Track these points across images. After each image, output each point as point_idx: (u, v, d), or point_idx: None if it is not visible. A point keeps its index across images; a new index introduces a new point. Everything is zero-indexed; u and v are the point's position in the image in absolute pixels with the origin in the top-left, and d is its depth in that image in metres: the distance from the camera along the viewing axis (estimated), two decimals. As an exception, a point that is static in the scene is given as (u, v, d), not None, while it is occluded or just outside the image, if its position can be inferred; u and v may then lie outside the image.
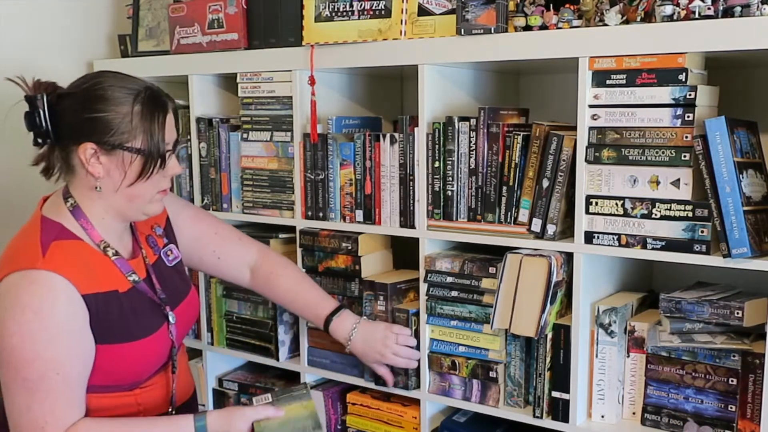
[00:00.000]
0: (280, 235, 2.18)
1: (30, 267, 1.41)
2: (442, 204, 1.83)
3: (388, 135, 1.89)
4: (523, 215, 1.73)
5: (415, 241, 1.89)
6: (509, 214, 1.75)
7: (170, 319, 1.59)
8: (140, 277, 1.56)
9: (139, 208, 1.53)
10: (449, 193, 1.82)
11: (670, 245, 1.57)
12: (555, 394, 1.73)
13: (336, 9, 1.90)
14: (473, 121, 1.76)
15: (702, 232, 1.54)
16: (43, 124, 1.46)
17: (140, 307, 1.54)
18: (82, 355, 1.45)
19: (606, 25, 1.59)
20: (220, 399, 2.35)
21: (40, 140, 1.49)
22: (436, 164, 1.82)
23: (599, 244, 1.64)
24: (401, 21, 1.82)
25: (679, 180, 1.55)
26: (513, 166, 1.73)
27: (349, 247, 1.97)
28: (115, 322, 1.48)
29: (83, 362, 1.46)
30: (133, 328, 1.52)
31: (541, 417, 1.75)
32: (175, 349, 1.62)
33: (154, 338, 1.55)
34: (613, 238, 1.62)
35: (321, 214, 2.02)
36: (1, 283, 1.42)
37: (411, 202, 1.87)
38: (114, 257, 1.53)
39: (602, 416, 1.73)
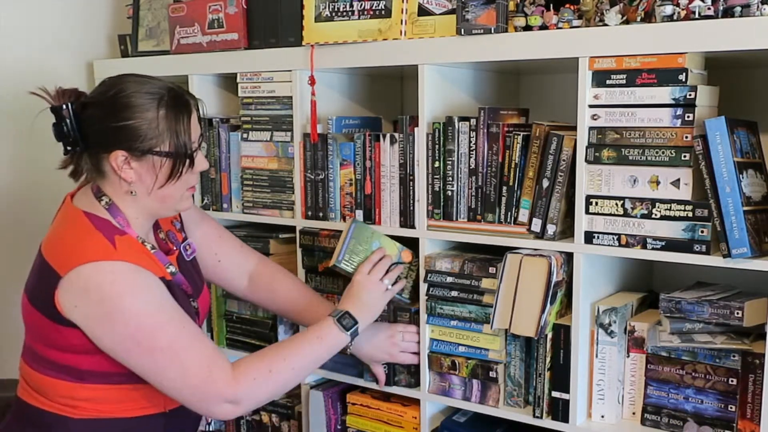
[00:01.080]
0: (280, 235, 2.18)
1: (105, 259, 1.44)
2: (442, 204, 1.83)
3: (388, 135, 1.89)
4: (523, 215, 1.73)
5: (415, 241, 1.89)
6: (509, 214, 1.75)
7: (196, 309, 1.65)
8: (176, 269, 1.61)
9: (171, 207, 1.58)
10: (449, 193, 1.82)
11: (670, 245, 1.57)
12: (555, 394, 1.73)
13: (336, 9, 1.90)
14: (473, 121, 1.77)
15: (702, 232, 1.54)
16: (71, 133, 1.49)
17: (180, 296, 1.58)
18: (183, 311, 1.51)
19: (606, 25, 1.59)
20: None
21: (69, 148, 1.52)
22: (436, 164, 1.82)
23: (599, 244, 1.64)
24: (401, 21, 1.82)
25: (679, 180, 1.55)
26: (513, 166, 1.73)
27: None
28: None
29: (188, 316, 1.52)
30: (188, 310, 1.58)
31: (541, 417, 1.75)
32: None
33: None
34: (613, 238, 1.62)
35: (321, 214, 2.02)
36: (70, 275, 1.43)
37: (411, 202, 1.87)
38: (153, 251, 1.57)
39: (602, 416, 1.73)
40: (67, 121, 1.48)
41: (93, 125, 1.49)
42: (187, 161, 1.52)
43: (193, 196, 1.65)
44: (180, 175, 1.52)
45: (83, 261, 1.42)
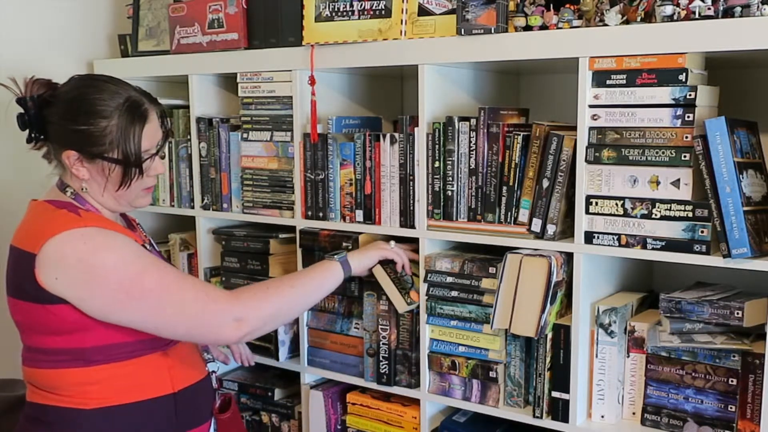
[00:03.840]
0: (280, 235, 2.18)
1: (72, 227, 1.46)
2: (442, 204, 1.83)
3: (388, 135, 1.89)
4: (523, 215, 1.73)
5: (415, 241, 1.89)
6: (509, 214, 1.75)
7: None
8: (151, 251, 1.63)
9: (126, 204, 1.61)
10: (449, 193, 1.82)
11: (670, 245, 1.57)
12: (555, 394, 1.73)
13: (336, 9, 1.90)
14: (473, 121, 1.77)
15: (702, 232, 1.54)
16: (32, 125, 1.55)
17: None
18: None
19: (606, 25, 1.59)
20: (220, 399, 2.35)
21: (33, 137, 1.57)
22: (436, 164, 1.82)
23: (599, 244, 1.64)
24: (401, 21, 1.81)
25: (679, 180, 1.55)
26: (513, 166, 1.73)
27: (350, 247, 1.97)
28: None
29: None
30: None
31: (541, 417, 1.75)
32: None
33: None
34: (613, 238, 1.62)
35: (321, 214, 2.02)
36: (43, 250, 1.44)
37: (411, 202, 1.87)
38: (126, 227, 1.62)
39: (602, 416, 1.73)
40: (31, 112, 1.54)
41: (52, 122, 1.54)
42: (137, 169, 1.55)
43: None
44: (130, 182, 1.55)
45: (53, 233, 1.45)
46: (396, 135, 1.88)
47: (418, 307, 1.89)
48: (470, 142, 1.77)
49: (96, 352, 1.50)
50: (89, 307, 1.46)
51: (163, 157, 1.64)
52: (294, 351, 2.17)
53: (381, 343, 1.95)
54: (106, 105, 1.51)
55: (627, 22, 1.59)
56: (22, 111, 1.55)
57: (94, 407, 1.51)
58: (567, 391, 1.71)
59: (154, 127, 1.58)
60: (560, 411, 1.72)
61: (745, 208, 1.49)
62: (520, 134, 1.72)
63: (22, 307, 1.50)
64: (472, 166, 1.78)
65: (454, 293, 1.82)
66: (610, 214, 1.62)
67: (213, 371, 1.73)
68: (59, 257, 1.44)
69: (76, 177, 1.55)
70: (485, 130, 1.76)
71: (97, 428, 1.51)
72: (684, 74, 1.52)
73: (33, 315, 1.49)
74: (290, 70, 2.02)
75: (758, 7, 1.45)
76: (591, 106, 1.62)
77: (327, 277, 1.74)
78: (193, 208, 2.30)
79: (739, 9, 1.47)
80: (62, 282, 1.44)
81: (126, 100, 1.53)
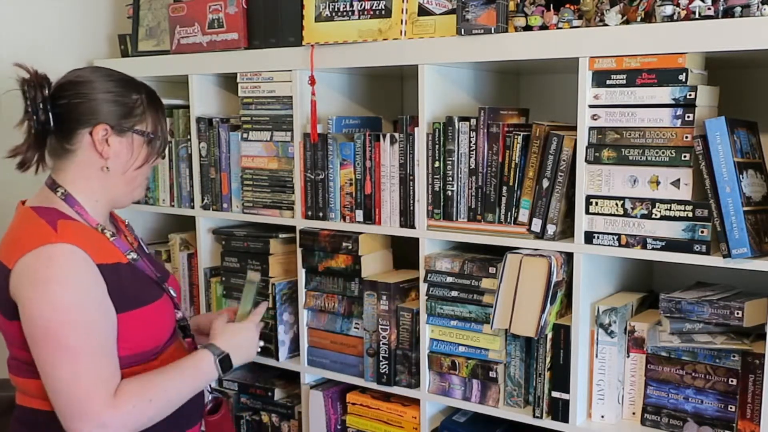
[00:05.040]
0: (280, 235, 2.18)
1: (44, 243, 1.43)
2: (442, 204, 1.83)
3: (388, 135, 1.89)
4: (523, 215, 1.73)
5: (415, 241, 1.89)
6: (509, 214, 1.75)
7: (170, 291, 1.64)
8: (138, 255, 1.60)
9: (130, 192, 1.60)
10: (449, 193, 1.82)
11: (670, 245, 1.57)
12: (555, 394, 1.73)
13: (336, 9, 1.90)
14: (473, 121, 1.77)
15: (702, 232, 1.54)
16: (44, 109, 1.50)
17: (142, 278, 1.58)
18: (111, 319, 1.48)
19: (606, 25, 1.59)
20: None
21: (39, 127, 1.51)
22: (436, 164, 1.82)
23: (599, 244, 1.64)
24: (401, 21, 1.81)
25: (679, 180, 1.55)
26: (513, 166, 1.73)
27: (350, 247, 1.97)
28: (126, 289, 1.51)
29: (113, 326, 1.48)
30: (142, 294, 1.55)
31: (541, 417, 1.75)
32: (182, 319, 1.68)
33: (161, 303, 1.59)
34: (613, 238, 1.62)
35: (321, 214, 2.02)
36: (15, 266, 1.43)
37: (411, 202, 1.87)
38: (111, 238, 1.56)
39: (602, 416, 1.73)
40: (44, 95, 1.49)
41: (77, 98, 1.51)
42: (163, 146, 1.59)
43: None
44: (156, 158, 1.58)
45: (27, 250, 1.43)
46: (396, 135, 1.88)
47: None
48: (470, 142, 1.77)
49: None
50: (23, 323, 1.43)
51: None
52: (294, 351, 2.17)
53: (381, 343, 1.95)
54: (132, 83, 1.56)
55: (627, 22, 1.59)
56: (31, 96, 1.50)
57: None
58: (567, 391, 1.71)
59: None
60: (560, 411, 1.72)
61: (745, 208, 1.49)
62: (520, 134, 1.72)
63: (1, 319, 1.50)
64: (472, 166, 1.78)
65: (454, 293, 1.82)
66: (610, 214, 1.62)
67: None
68: (24, 273, 1.42)
69: (98, 157, 1.51)
70: (485, 130, 1.76)
71: None
72: (684, 74, 1.52)
73: (6, 328, 1.49)
74: (290, 70, 2.02)
75: (758, 7, 1.45)
76: (591, 106, 1.62)
77: (204, 382, 1.61)
78: (193, 208, 2.30)
79: (739, 9, 1.47)
80: (16, 297, 1.43)
81: (145, 85, 1.59)
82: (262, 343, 1.73)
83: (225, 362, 1.58)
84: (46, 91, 1.50)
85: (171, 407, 1.52)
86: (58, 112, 1.51)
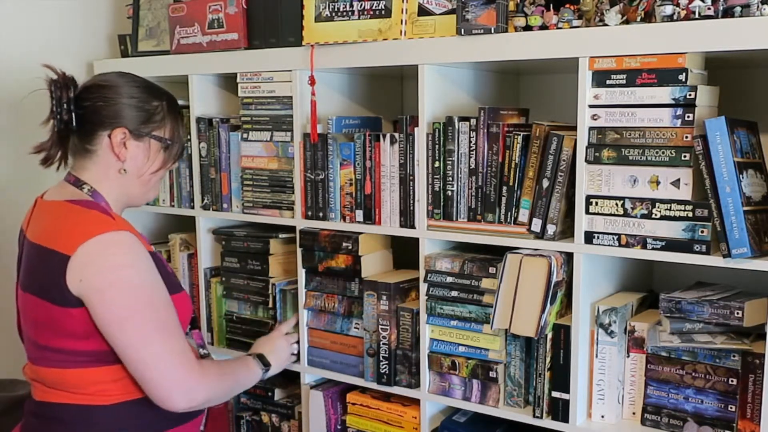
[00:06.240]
0: (280, 235, 2.18)
1: (107, 230, 1.49)
2: (442, 204, 1.83)
3: (388, 135, 1.89)
4: (523, 215, 1.73)
5: (415, 241, 1.89)
6: (509, 214, 1.75)
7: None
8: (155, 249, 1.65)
9: (146, 193, 1.67)
10: (449, 193, 1.82)
11: (670, 245, 1.57)
12: (555, 394, 1.73)
13: (336, 9, 1.90)
14: (473, 121, 1.77)
15: (702, 232, 1.54)
16: (70, 108, 1.57)
17: (162, 270, 1.61)
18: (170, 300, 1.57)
19: (606, 25, 1.59)
20: (220, 399, 2.35)
21: (62, 126, 1.58)
22: (436, 164, 1.82)
23: (599, 244, 1.64)
24: (401, 21, 1.81)
25: (679, 180, 1.55)
26: (513, 166, 1.73)
27: (350, 247, 1.97)
28: (164, 277, 1.58)
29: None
30: (173, 282, 1.63)
31: (541, 417, 1.75)
32: (194, 315, 1.75)
33: (184, 295, 1.67)
34: (613, 238, 1.62)
35: (321, 214, 2.02)
36: (78, 252, 1.46)
37: (411, 202, 1.87)
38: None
39: (602, 416, 1.73)
40: (69, 96, 1.56)
41: (100, 101, 1.58)
42: (180, 152, 1.68)
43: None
44: (173, 162, 1.66)
45: (89, 236, 1.47)
46: (396, 135, 1.88)
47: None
48: (470, 142, 1.77)
49: (116, 354, 1.51)
50: (94, 310, 1.46)
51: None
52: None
53: (381, 343, 1.95)
54: (154, 89, 1.62)
55: (627, 22, 1.59)
56: (58, 95, 1.56)
57: (114, 403, 1.52)
58: (567, 391, 1.71)
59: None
60: (560, 411, 1.72)
61: (745, 208, 1.49)
62: (520, 134, 1.72)
63: (44, 307, 1.50)
64: (472, 166, 1.78)
65: (454, 293, 1.82)
66: (610, 214, 1.62)
67: None
68: (88, 262, 1.45)
69: (116, 160, 1.58)
70: (485, 130, 1.76)
71: (116, 422, 1.52)
72: (684, 74, 1.52)
73: (54, 316, 1.49)
74: (290, 70, 2.02)
75: (758, 7, 1.45)
76: (591, 106, 1.62)
77: (253, 379, 1.82)
78: (193, 208, 2.30)
79: (739, 9, 1.47)
80: (85, 285, 1.45)
81: (167, 93, 1.66)
82: (295, 349, 2.03)
83: (265, 362, 1.85)
84: (71, 93, 1.57)
85: (233, 391, 1.73)
86: (81, 113, 1.58)
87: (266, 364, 1.85)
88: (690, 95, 1.52)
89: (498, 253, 1.78)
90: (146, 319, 1.48)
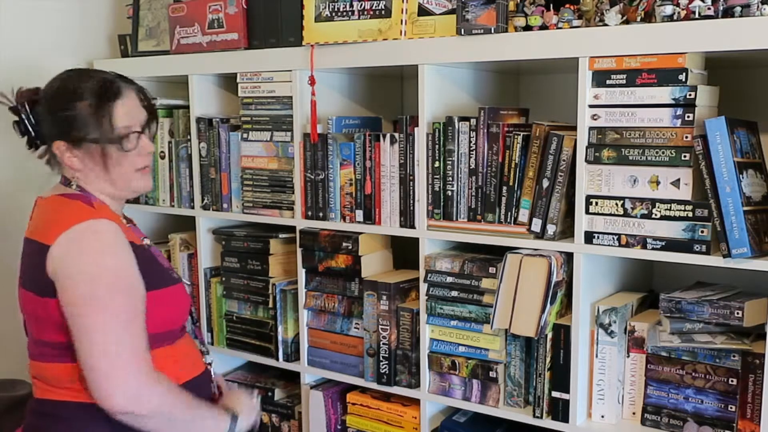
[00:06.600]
0: (280, 235, 2.18)
1: (88, 218, 1.49)
2: (442, 204, 1.83)
3: (388, 135, 1.89)
4: (523, 215, 1.73)
5: (415, 241, 1.89)
6: (509, 214, 1.75)
7: (185, 281, 1.67)
8: (151, 243, 1.65)
9: (124, 188, 1.61)
10: (449, 193, 1.82)
11: (670, 245, 1.57)
12: (555, 394, 1.73)
13: (336, 9, 1.90)
14: (473, 121, 1.77)
15: (702, 232, 1.54)
16: (29, 129, 1.60)
17: (158, 262, 1.62)
18: (144, 293, 1.53)
19: (606, 25, 1.59)
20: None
21: (31, 143, 1.62)
22: (436, 164, 1.82)
23: (599, 244, 1.64)
24: (401, 21, 1.81)
25: (679, 180, 1.55)
26: (513, 166, 1.73)
27: (350, 247, 1.97)
28: (151, 270, 1.56)
29: (145, 300, 1.53)
30: (162, 276, 1.60)
31: (541, 417, 1.75)
32: (193, 307, 1.72)
33: (178, 288, 1.64)
34: (613, 238, 1.62)
35: (321, 214, 2.02)
36: (57, 241, 1.47)
37: (411, 202, 1.87)
38: (128, 224, 1.63)
39: (602, 416, 1.73)
40: (23, 117, 1.59)
41: (41, 120, 1.59)
42: (117, 145, 1.56)
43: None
44: (110, 158, 1.56)
45: (68, 226, 1.48)
46: (396, 135, 1.88)
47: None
48: (470, 142, 1.77)
49: None
50: (61, 299, 1.46)
51: (152, 138, 1.66)
52: (294, 351, 2.17)
53: (381, 343, 1.95)
54: (80, 88, 1.56)
55: (627, 22, 1.59)
56: (16, 119, 1.60)
57: None
58: (567, 391, 1.71)
59: (131, 104, 1.59)
60: (560, 411, 1.72)
61: (745, 208, 1.49)
62: (520, 134, 1.72)
63: (30, 298, 1.52)
64: (472, 166, 1.78)
65: (454, 293, 1.82)
66: (610, 214, 1.62)
67: (209, 363, 1.72)
68: (67, 249, 1.46)
69: (70, 168, 1.58)
70: (485, 130, 1.76)
71: (115, 420, 1.50)
72: (684, 74, 1.52)
73: (38, 308, 1.50)
74: (290, 70, 2.02)
75: (758, 7, 1.45)
76: (591, 106, 1.62)
77: (216, 427, 1.62)
78: (193, 208, 2.30)
79: (739, 9, 1.47)
80: (59, 273, 1.46)
81: (99, 81, 1.58)
82: (259, 405, 1.76)
83: (234, 424, 1.62)
84: (27, 113, 1.59)
85: (187, 425, 1.54)
86: (36, 128, 1.60)
87: (234, 418, 1.64)
88: (690, 95, 1.52)
89: (498, 253, 1.78)
90: (108, 307, 1.44)
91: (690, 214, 1.55)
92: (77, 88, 1.56)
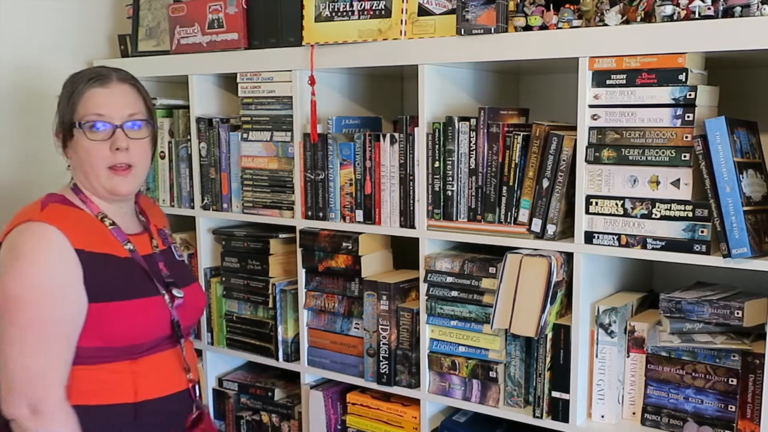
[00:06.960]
0: (280, 235, 2.18)
1: (28, 220, 1.50)
2: (442, 204, 1.83)
3: (388, 135, 1.89)
4: (523, 215, 1.73)
5: (415, 241, 1.89)
6: (509, 214, 1.75)
7: (176, 293, 1.62)
8: (136, 248, 1.61)
9: (99, 184, 1.58)
10: (449, 193, 1.82)
11: (670, 245, 1.57)
12: (555, 394, 1.73)
13: (336, 9, 1.90)
14: (473, 121, 1.77)
15: (702, 232, 1.54)
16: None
17: (137, 273, 1.58)
18: (76, 306, 1.49)
19: (606, 25, 1.59)
20: (221, 399, 2.35)
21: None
22: (436, 164, 1.82)
23: (599, 244, 1.64)
24: (401, 21, 1.81)
25: (679, 180, 1.55)
26: (513, 166, 1.73)
27: (350, 247, 1.97)
28: (110, 281, 1.53)
29: (78, 313, 1.49)
30: (127, 288, 1.55)
31: (541, 417, 1.75)
32: (178, 325, 1.61)
33: (148, 302, 1.57)
34: (613, 238, 1.62)
35: (321, 214, 2.02)
36: (4, 242, 1.52)
37: (411, 202, 1.87)
38: (111, 226, 1.60)
39: (602, 416, 1.73)
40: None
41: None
42: (69, 129, 1.57)
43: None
44: (80, 146, 1.55)
45: (13, 226, 1.51)
46: (396, 135, 1.88)
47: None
48: (470, 142, 1.77)
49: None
50: None
51: (154, 143, 1.67)
52: (294, 351, 2.17)
53: (381, 343, 1.95)
54: (74, 76, 1.61)
55: (627, 22, 1.59)
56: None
57: (107, 403, 1.52)
58: (567, 391, 1.71)
59: (116, 98, 1.57)
60: (560, 411, 1.72)
61: (745, 208, 1.49)
62: (520, 134, 1.72)
63: None
64: (472, 166, 1.78)
65: (454, 293, 1.82)
66: (610, 214, 1.62)
67: (194, 382, 1.65)
68: (6, 249, 1.50)
69: (68, 162, 1.62)
70: (485, 130, 1.76)
71: (111, 424, 1.51)
72: (684, 74, 1.52)
73: None
74: (290, 70, 2.02)
75: (758, 7, 1.45)
76: (591, 106, 1.62)
77: None
78: (193, 208, 2.30)
79: (739, 9, 1.47)
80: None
81: (92, 71, 1.62)
82: None
83: None
84: None
85: None
86: None
87: None
88: (690, 95, 1.52)
89: (498, 253, 1.78)
90: (15, 316, 1.43)
91: (690, 214, 1.55)
92: (71, 76, 1.61)
